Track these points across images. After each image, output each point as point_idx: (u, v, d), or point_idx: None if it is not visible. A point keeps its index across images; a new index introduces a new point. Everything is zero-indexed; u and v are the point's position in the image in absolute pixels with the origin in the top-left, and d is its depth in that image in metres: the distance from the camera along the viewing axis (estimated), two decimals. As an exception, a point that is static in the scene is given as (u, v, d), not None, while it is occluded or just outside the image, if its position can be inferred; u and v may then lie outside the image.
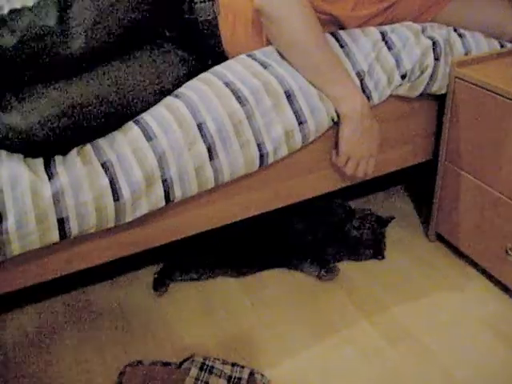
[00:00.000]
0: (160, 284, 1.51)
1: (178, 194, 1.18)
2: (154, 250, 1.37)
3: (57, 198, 1.08)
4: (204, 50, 1.37)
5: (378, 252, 1.58)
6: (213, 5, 1.35)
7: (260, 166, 1.25)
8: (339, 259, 1.58)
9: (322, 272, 1.52)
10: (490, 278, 1.49)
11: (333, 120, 1.29)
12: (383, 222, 1.62)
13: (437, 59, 1.36)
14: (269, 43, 1.34)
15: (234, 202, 1.34)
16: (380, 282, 1.51)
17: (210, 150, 1.18)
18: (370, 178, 1.50)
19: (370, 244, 1.57)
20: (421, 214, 1.78)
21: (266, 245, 1.57)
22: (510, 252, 1.35)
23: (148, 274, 1.59)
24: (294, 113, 1.24)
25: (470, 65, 1.39)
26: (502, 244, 1.38)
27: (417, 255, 1.60)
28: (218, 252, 1.56)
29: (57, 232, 1.10)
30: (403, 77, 1.34)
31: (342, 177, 1.45)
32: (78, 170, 1.11)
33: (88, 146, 1.16)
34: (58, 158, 1.13)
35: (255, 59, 1.28)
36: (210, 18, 1.35)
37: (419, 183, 1.91)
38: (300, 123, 1.25)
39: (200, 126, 1.17)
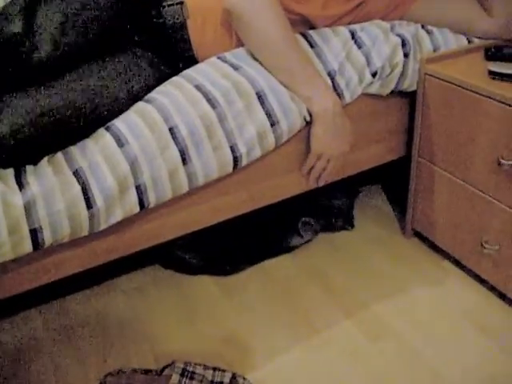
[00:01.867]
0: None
1: (152, 199, 1.17)
2: (132, 257, 1.36)
3: (28, 208, 1.07)
4: (174, 54, 1.37)
5: (348, 222, 1.63)
6: (181, 8, 1.34)
7: (234, 168, 1.25)
8: (311, 225, 1.63)
9: (302, 232, 1.57)
10: (468, 271, 1.50)
11: (305, 120, 1.29)
12: (353, 193, 1.68)
13: (406, 56, 1.37)
14: (239, 45, 1.33)
15: (208, 207, 1.33)
16: (359, 280, 1.52)
17: (182, 154, 1.17)
18: (345, 177, 1.51)
19: (340, 213, 1.62)
20: (397, 211, 1.79)
21: (245, 240, 1.58)
22: (485, 245, 1.36)
23: (126, 282, 1.57)
24: (266, 114, 1.24)
25: (439, 61, 1.40)
26: (477, 237, 1.39)
27: (394, 252, 1.61)
28: (205, 251, 1.56)
29: (30, 242, 1.08)
30: (374, 75, 1.34)
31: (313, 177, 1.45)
32: (49, 179, 1.09)
33: (59, 155, 1.14)
34: (29, 168, 1.12)
35: (225, 61, 1.28)
36: (178, 21, 1.34)
37: (395, 180, 1.92)
38: (272, 124, 1.25)
39: (172, 130, 1.17)
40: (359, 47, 1.34)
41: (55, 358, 1.35)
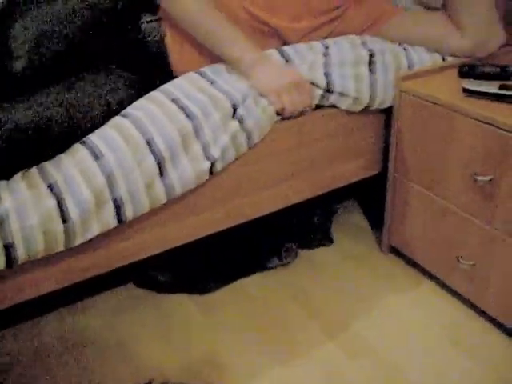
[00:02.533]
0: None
1: (129, 213, 1.16)
2: (106, 276, 1.34)
3: (1, 224, 1.04)
4: (152, 70, 1.36)
5: (326, 237, 1.63)
6: (160, 25, 1.35)
7: (210, 173, 1.24)
8: (293, 250, 1.63)
9: (284, 256, 1.55)
10: (444, 286, 1.51)
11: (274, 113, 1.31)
12: (331, 211, 1.67)
13: (371, 71, 1.38)
14: (217, 60, 1.34)
15: (186, 224, 1.32)
16: (338, 297, 1.51)
17: (159, 166, 1.16)
18: (322, 194, 1.51)
19: (318, 229, 1.64)
20: (374, 227, 1.79)
21: (221, 258, 1.57)
22: (460, 260, 1.37)
23: (103, 301, 1.54)
24: (238, 119, 1.25)
25: (414, 78, 1.42)
26: (452, 252, 1.40)
27: (372, 268, 1.61)
28: (179, 269, 1.55)
29: (3, 258, 1.06)
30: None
31: (294, 193, 1.45)
32: (22, 193, 1.07)
33: (33, 170, 1.13)
34: (2, 183, 1.10)
35: (202, 76, 1.28)
36: (156, 38, 1.35)
37: (371, 196, 1.93)
38: (241, 123, 1.25)
39: (149, 143, 1.16)
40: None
41: (28, 380, 1.31)
